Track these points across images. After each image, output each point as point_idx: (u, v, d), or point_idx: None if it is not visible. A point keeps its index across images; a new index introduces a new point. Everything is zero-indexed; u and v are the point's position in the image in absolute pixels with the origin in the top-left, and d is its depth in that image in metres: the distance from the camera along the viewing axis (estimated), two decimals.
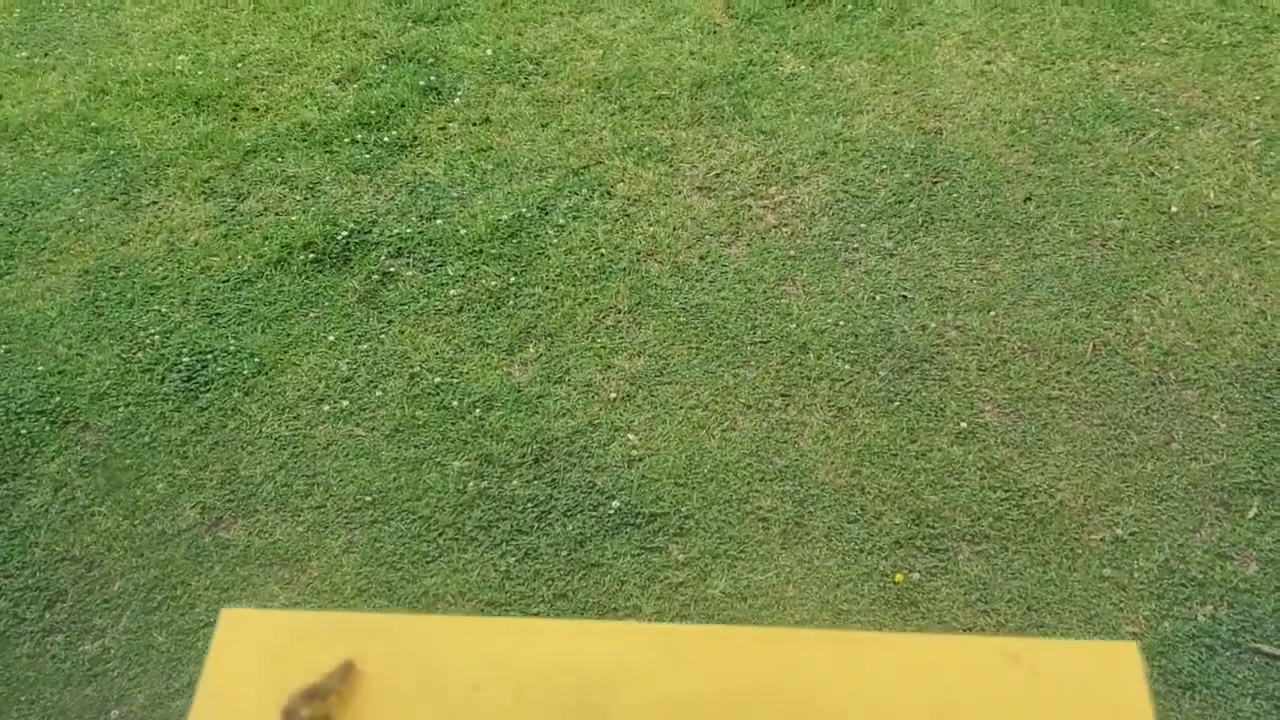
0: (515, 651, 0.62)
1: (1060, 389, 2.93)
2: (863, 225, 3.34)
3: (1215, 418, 2.85)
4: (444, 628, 0.64)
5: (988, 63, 3.82)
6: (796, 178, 3.48)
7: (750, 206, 3.42)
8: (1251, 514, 2.67)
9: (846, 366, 3.01)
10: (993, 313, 3.10)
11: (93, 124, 3.86)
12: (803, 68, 3.86)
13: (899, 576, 2.61)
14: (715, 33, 4.04)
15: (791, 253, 3.28)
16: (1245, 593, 2.55)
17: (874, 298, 3.15)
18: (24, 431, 3.02)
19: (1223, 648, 2.46)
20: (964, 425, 2.87)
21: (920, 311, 3.11)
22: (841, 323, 3.10)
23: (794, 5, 4.10)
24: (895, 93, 3.74)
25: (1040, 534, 2.66)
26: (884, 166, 3.49)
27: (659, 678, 0.60)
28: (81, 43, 4.22)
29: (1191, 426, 2.84)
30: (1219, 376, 2.92)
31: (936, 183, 3.43)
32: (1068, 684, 0.61)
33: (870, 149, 3.55)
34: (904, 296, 3.15)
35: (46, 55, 4.18)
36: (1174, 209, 3.31)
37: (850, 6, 4.07)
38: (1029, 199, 3.37)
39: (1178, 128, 3.54)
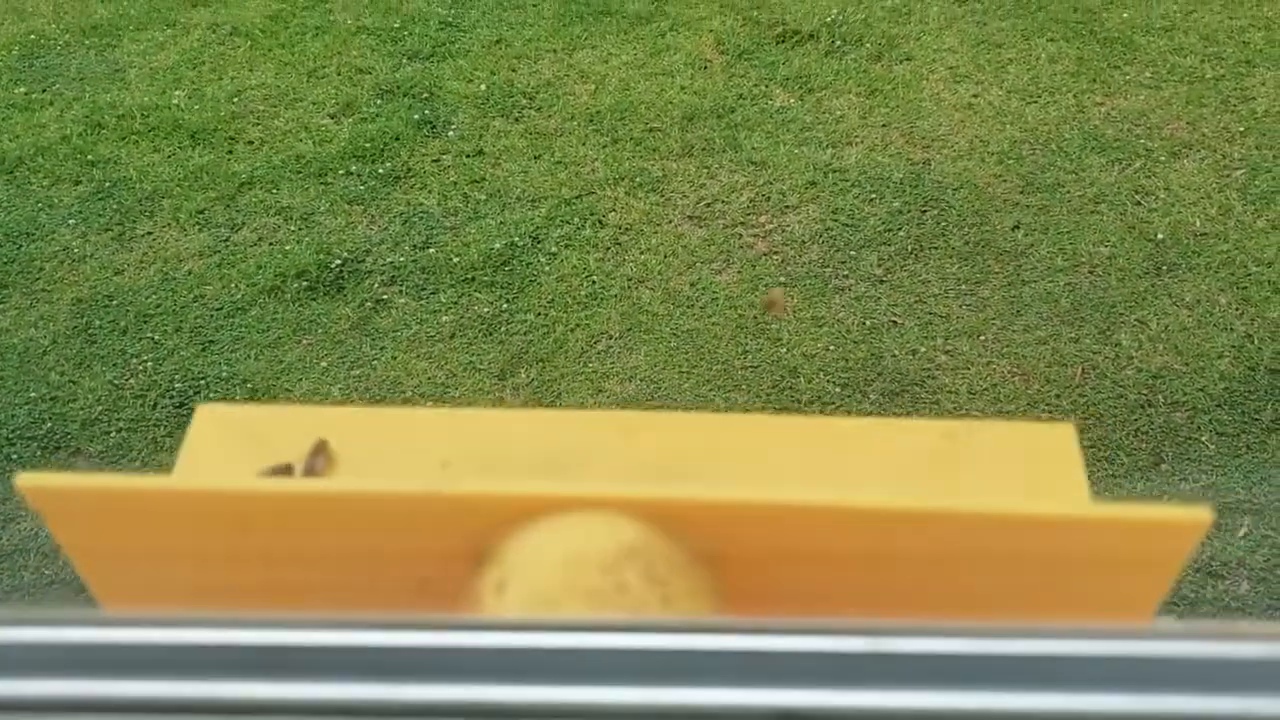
0: (483, 434, 0.65)
1: (1049, 411, 2.94)
2: (853, 253, 3.37)
3: (1204, 439, 2.86)
4: (415, 416, 0.66)
5: (975, 96, 3.88)
6: (786, 207, 3.52)
7: (741, 235, 3.45)
8: (1242, 533, 2.67)
9: (837, 390, 3.02)
10: (982, 337, 3.12)
11: (89, 157, 3.90)
12: (792, 101, 3.91)
13: None
14: (706, 68, 4.09)
15: (782, 279, 3.30)
16: (1237, 611, 2.54)
17: (864, 323, 3.17)
18: (15, 457, 3.01)
19: None
20: None
21: (910, 336, 3.13)
22: (832, 348, 3.11)
23: (783, 41, 4.17)
24: (884, 125, 3.79)
25: None
26: (873, 196, 3.53)
27: (618, 453, 0.62)
28: (79, 79, 4.27)
29: (1180, 448, 2.85)
30: (1207, 399, 2.94)
31: (925, 211, 3.47)
32: (1004, 459, 0.62)
33: (860, 179, 3.59)
34: (894, 322, 3.17)
35: (44, 91, 4.23)
36: (1160, 236, 3.34)
37: (839, 43, 4.13)
38: (1017, 227, 3.40)
39: (1163, 158, 3.59)
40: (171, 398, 3.13)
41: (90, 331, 3.33)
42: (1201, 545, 2.60)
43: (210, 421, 0.65)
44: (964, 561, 0.50)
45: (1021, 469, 0.61)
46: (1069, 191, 3.50)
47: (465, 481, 0.52)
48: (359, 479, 0.57)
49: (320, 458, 0.62)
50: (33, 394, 3.17)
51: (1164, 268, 3.26)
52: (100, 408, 3.13)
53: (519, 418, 0.66)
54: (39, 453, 3.02)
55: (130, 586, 0.56)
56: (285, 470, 0.62)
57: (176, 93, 4.16)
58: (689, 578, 0.50)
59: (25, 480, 0.51)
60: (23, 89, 4.24)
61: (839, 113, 3.85)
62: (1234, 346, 3.05)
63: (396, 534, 0.52)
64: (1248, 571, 2.60)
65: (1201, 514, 0.48)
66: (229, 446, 0.63)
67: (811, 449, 0.63)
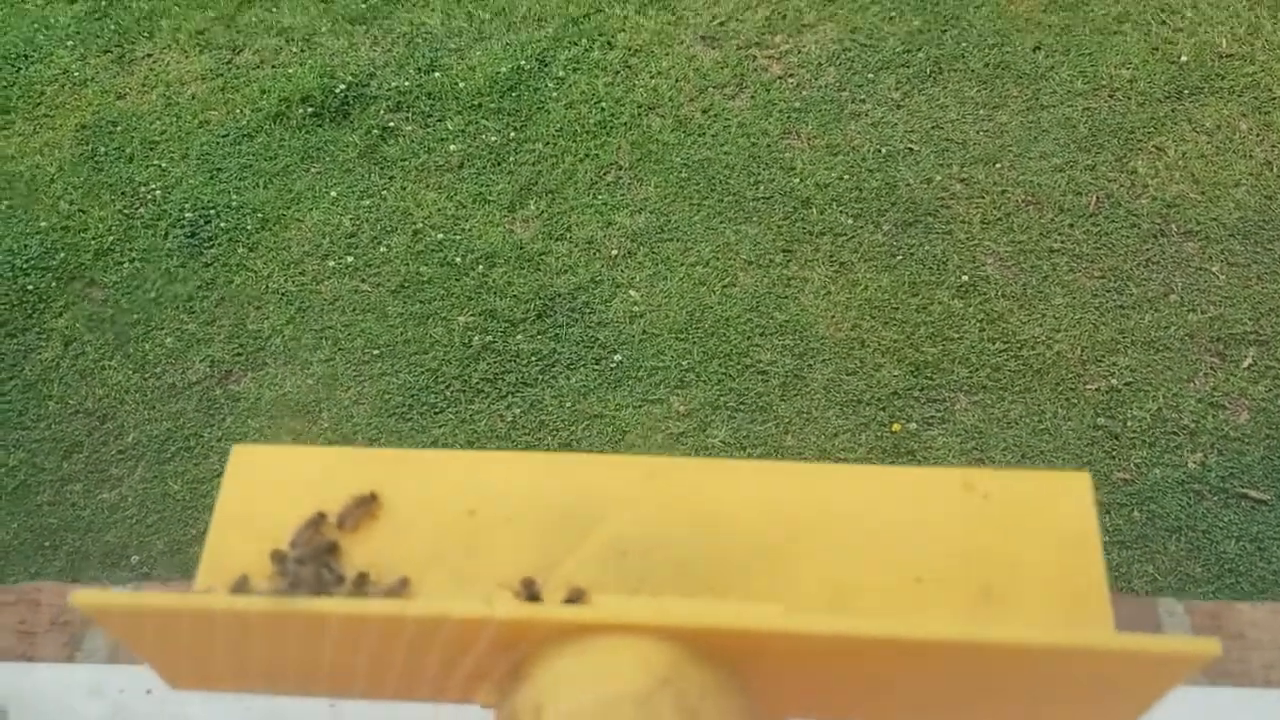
0: (508, 480, 0.68)
1: (1062, 241, 2.93)
2: (870, 75, 3.29)
3: (1215, 269, 2.86)
4: (443, 460, 0.70)
5: None
6: (803, 25, 3.41)
7: (755, 57, 3.36)
8: (1246, 364, 2.70)
9: (849, 221, 3.00)
10: (998, 165, 3.08)
11: None
12: None
13: (896, 426, 2.66)
14: None
15: (796, 104, 3.24)
16: (1235, 440, 2.60)
17: (879, 150, 3.13)
18: (30, 287, 3.04)
19: (1210, 493, 2.53)
20: (965, 278, 2.88)
21: (926, 164, 3.09)
22: (846, 176, 3.08)
23: None
24: None
25: (1037, 384, 2.70)
26: (893, 14, 3.42)
27: (638, 502, 0.66)
28: None
29: (1191, 278, 2.85)
30: (1220, 228, 2.92)
31: (945, 31, 3.37)
32: (1021, 508, 0.65)
33: None
34: (910, 149, 3.13)
35: None
36: (1184, 58, 3.25)
37: None
38: (1038, 48, 3.31)
39: None
40: (183, 228, 3.13)
41: (96, 159, 3.30)
42: (1205, 377, 2.64)
43: (245, 464, 0.68)
44: (992, 680, 0.55)
45: (1039, 522, 0.64)
46: (1092, 9, 3.38)
47: (507, 606, 0.56)
48: (398, 602, 0.60)
49: (359, 509, 0.65)
50: (43, 223, 3.17)
51: (1185, 91, 3.19)
52: (112, 238, 3.13)
53: (544, 462, 0.69)
54: (54, 283, 3.05)
55: (188, 671, 0.62)
56: (319, 519, 0.65)
57: None
58: (720, 701, 0.54)
59: (80, 597, 0.57)
60: None
61: None
62: (1252, 174, 3.01)
63: (438, 647, 0.56)
64: (1249, 402, 2.65)
65: (1211, 644, 0.51)
66: (265, 492, 0.66)
67: (835, 499, 0.66)
